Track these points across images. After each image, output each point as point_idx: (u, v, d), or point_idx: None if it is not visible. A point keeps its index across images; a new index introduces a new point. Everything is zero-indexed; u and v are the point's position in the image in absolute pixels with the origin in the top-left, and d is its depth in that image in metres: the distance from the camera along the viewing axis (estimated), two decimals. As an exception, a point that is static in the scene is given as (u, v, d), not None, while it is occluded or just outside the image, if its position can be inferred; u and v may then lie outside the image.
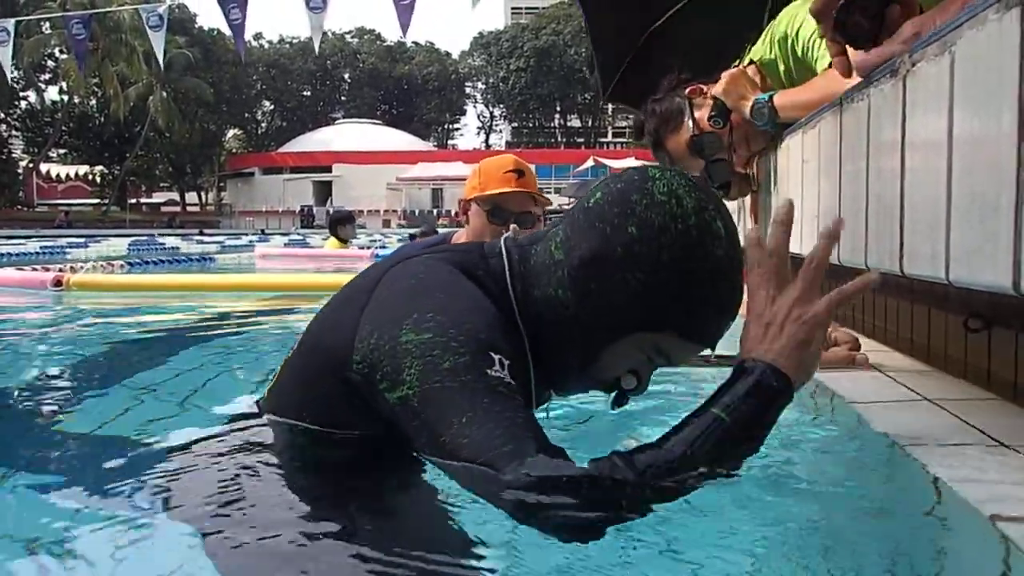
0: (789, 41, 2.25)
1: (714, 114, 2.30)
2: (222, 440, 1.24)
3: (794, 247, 2.44)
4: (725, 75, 2.28)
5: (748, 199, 2.83)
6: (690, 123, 2.39)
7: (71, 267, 6.73)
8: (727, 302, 1.10)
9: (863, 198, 1.46)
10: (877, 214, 1.40)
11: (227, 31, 11.36)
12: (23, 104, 49.68)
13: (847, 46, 1.42)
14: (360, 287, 1.14)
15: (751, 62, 2.42)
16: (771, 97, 2.14)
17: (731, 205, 3.03)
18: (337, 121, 63.39)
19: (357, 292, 1.13)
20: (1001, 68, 0.92)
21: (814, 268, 1.03)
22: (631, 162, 35.74)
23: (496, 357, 0.99)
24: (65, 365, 2.89)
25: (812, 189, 1.88)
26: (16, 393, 2.34)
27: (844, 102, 1.59)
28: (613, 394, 1.19)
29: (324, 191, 51.97)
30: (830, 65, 1.82)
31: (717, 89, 2.29)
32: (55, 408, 2.05)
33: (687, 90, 2.44)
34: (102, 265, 7.77)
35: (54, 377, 2.64)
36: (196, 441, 1.27)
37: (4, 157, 47.44)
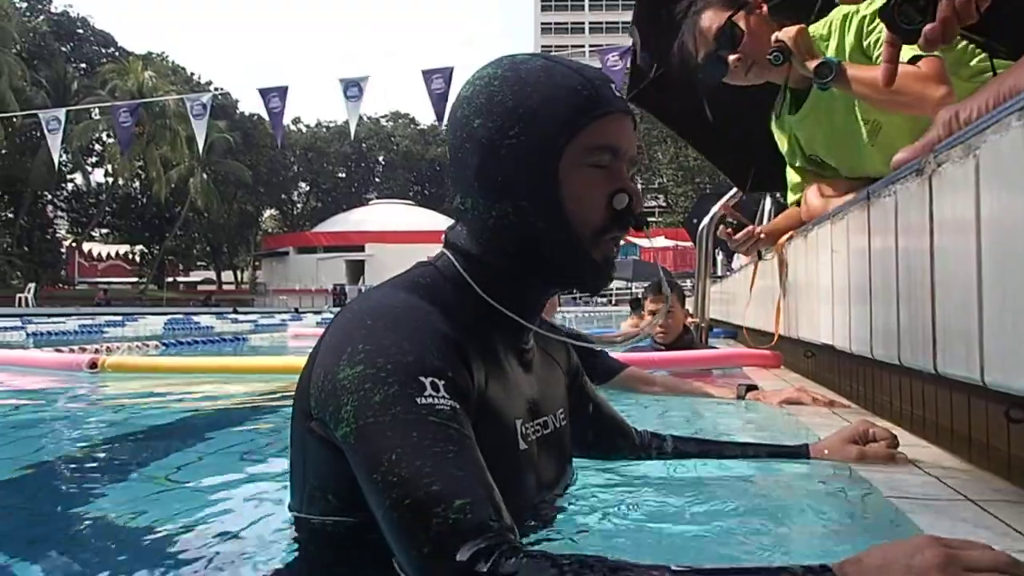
0: (850, 27, 2.34)
1: (775, 52, 2.35)
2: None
3: (825, 337, 2.43)
4: (797, 27, 2.35)
5: (752, 268, 2.99)
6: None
7: (107, 347, 6.82)
8: (572, 72, 1.09)
9: (894, 293, 1.45)
10: (909, 310, 1.39)
11: (267, 116, 11.74)
12: (70, 186, 51.39)
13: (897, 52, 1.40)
14: (320, 337, 1.10)
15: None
16: (840, 63, 2.23)
17: (738, 271, 3.03)
18: (371, 201, 64.68)
19: (317, 342, 1.10)
20: (1027, 173, 0.92)
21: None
22: (661, 241, 35.87)
23: (427, 380, 0.94)
24: (96, 449, 2.90)
25: (842, 281, 1.88)
26: (43, 477, 2.35)
27: (872, 196, 1.60)
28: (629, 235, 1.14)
29: (357, 270, 52.65)
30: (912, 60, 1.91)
31: (785, 34, 2.35)
32: (80, 495, 2.05)
33: None
34: (137, 346, 7.86)
35: (84, 461, 2.65)
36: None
37: (49, 237, 48.86)
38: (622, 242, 1.20)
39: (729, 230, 2.95)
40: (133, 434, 3.11)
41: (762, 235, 2.88)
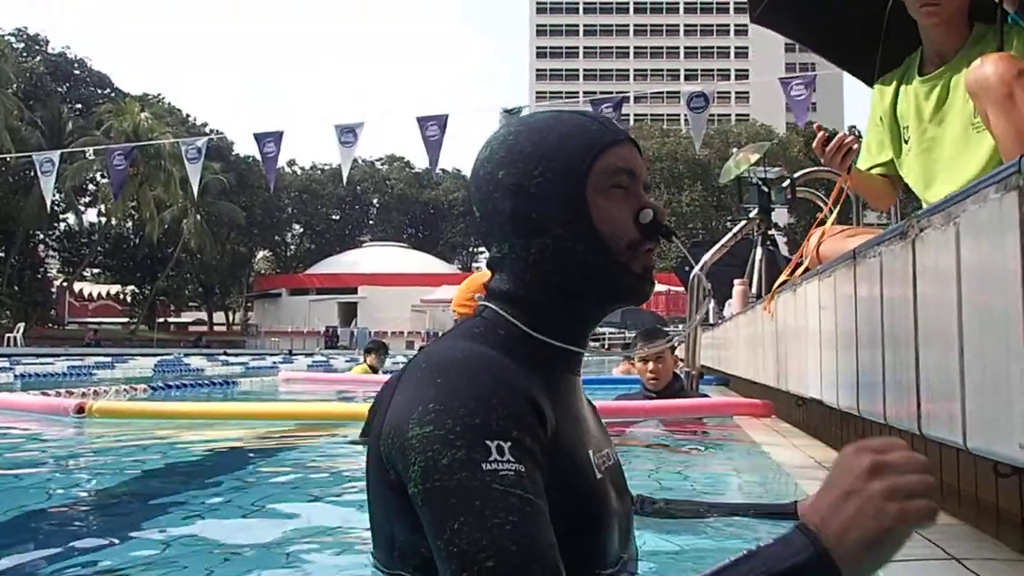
0: None
1: None
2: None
3: (813, 392, 2.45)
4: None
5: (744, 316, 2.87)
6: None
7: (95, 391, 6.77)
8: (577, 114, 1.18)
9: (879, 352, 1.47)
10: (894, 372, 1.41)
11: (261, 160, 11.82)
12: (62, 225, 51.42)
13: None
14: (390, 386, 1.11)
15: None
16: None
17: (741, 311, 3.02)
18: (364, 244, 64.85)
19: (387, 390, 1.11)
20: (1004, 245, 0.95)
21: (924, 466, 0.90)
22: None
23: (493, 444, 0.96)
24: (81, 498, 2.88)
25: (829, 337, 1.90)
26: (25, 527, 2.32)
27: (857, 256, 1.63)
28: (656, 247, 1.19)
29: (350, 312, 52.59)
30: None
31: None
32: (60, 549, 2.03)
33: None
34: (125, 389, 7.81)
35: (68, 509, 2.62)
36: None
37: (40, 276, 48.74)
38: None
39: (824, 134, 2.69)
40: (120, 485, 3.08)
41: (854, 145, 2.65)
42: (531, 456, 0.99)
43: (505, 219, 1.15)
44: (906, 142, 2.53)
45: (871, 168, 2.68)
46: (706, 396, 5.49)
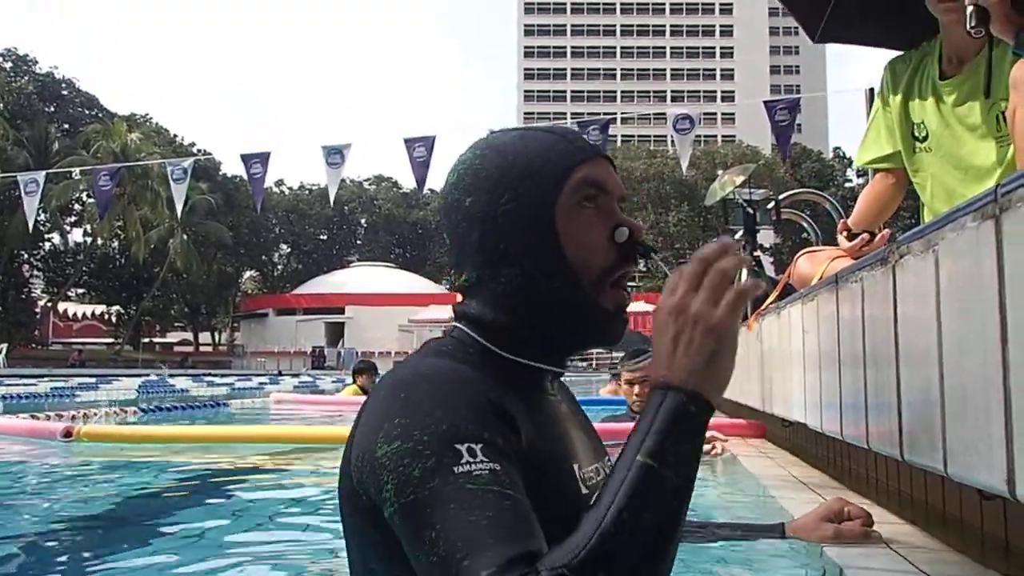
0: None
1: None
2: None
3: (798, 416, 2.46)
4: None
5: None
6: None
7: (84, 414, 6.69)
8: (545, 132, 1.14)
9: (861, 378, 1.49)
10: (877, 397, 1.42)
11: (248, 181, 11.79)
12: (47, 245, 51.08)
13: None
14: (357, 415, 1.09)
15: None
16: None
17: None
18: (352, 264, 64.70)
19: (355, 420, 1.08)
20: (981, 274, 0.96)
21: (721, 273, 0.94)
22: (640, 305, 36.04)
23: (463, 447, 0.93)
24: (68, 523, 2.85)
25: (813, 361, 1.91)
26: (10, 553, 2.30)
27: (840, 280, 1.64)
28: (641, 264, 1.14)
29: (336, 332, 52.37)
30: None
31: None
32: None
33: None
34: (115, 412, 7.73)
35: (54, 535, 2.59)
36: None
37: (24, 296, 48.33)
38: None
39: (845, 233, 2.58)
40: (108, 512, 3.05)
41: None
42: (505, 456, 0.96)
43: (474, 248, 1.12)
44: (921, 140, 2.45)
45: (875, 161, 2.58)
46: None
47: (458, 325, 1.19)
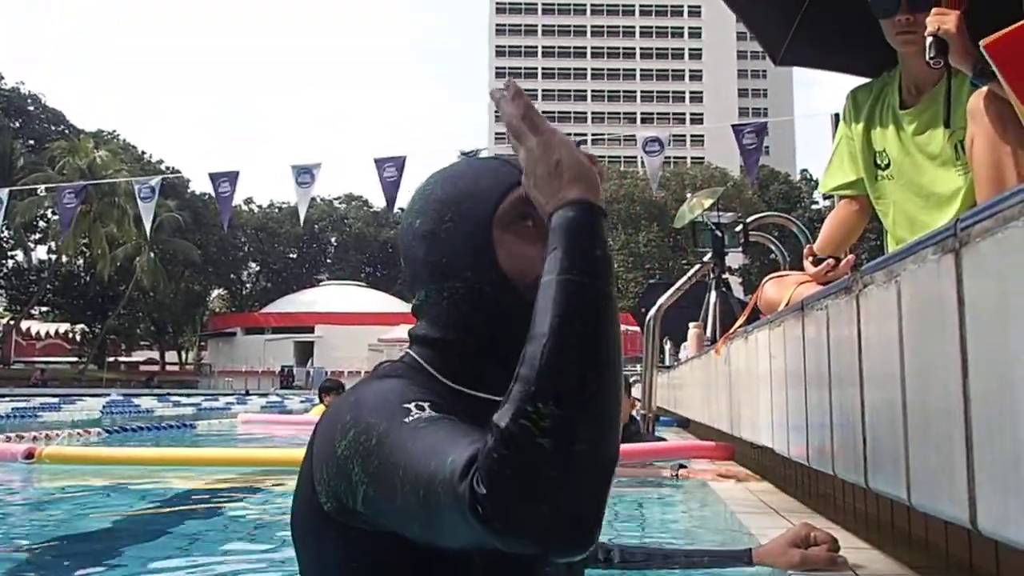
0: None
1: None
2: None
3: (765, 440, 2.47)
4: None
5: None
6: None
7: (46, 435, 6.56)
8: (492, 158, 1.22)
9: (827, 403, 1.50)
10: (841, 423, 1.43)
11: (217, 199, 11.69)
12: (10, 262, 50.23)
13: None
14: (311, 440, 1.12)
15: None
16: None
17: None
18: (321, 283, 64.31)
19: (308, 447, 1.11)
20: (943, 308, 0.97)
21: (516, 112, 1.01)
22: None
23: (410, 406, 0.97)
24: (28, 546, 2.78)
25: (779, 386, 1.92)
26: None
27: (805, 307, 1.66)
28: None
29: (306, 351, 51.93)
30: None
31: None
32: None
33: None
34: (78, 433, 7.58)
35: (13, 559, 2.53)
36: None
37: (-15, 315, 47.47)
38: None
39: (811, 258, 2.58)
40: (70, 535, 2.98)
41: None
42: (454, 415, 0.98)
43: (420, 265, 1.18)
44: (883, 168, 2.49)
45: (838, 188, 2.62)
46: (663, 439, 5.50)
47: (409, 351, 1.21)
